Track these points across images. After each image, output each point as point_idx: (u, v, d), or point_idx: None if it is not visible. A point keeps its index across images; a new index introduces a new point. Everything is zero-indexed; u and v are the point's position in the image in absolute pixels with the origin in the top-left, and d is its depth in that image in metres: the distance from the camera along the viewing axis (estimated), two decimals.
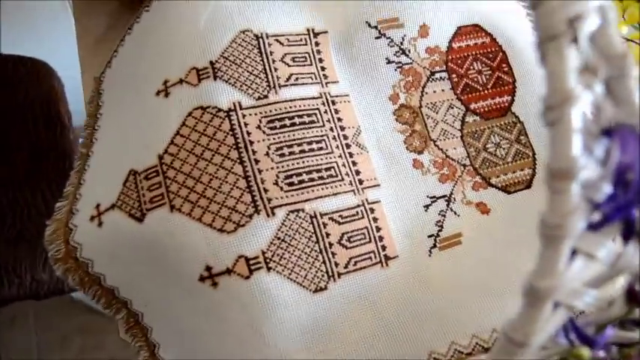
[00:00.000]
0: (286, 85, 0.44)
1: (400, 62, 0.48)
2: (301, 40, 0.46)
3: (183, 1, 0.46)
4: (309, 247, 0.41)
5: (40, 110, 0.77)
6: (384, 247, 0.43)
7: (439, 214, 0.45)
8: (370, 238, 0.43)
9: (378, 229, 0.43)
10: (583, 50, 0.24)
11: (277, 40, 0.45)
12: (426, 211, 0.45)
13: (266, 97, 0.43)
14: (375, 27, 0.48)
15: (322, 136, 0.44)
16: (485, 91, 0.50)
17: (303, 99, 0.44)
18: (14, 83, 0.79)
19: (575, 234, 0.24)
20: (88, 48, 0.55)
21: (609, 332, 0.29)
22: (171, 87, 0.44)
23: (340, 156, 0.44)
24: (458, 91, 0.49)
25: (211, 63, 0.43)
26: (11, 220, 0.72)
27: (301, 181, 0.42)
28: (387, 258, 0.43)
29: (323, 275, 0.41)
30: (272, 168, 0.41)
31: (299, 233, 0.41)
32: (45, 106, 0.78)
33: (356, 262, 0.42)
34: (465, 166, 0.47)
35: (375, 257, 0.42)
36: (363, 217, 0.43)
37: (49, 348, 1.00)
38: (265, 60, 0.44)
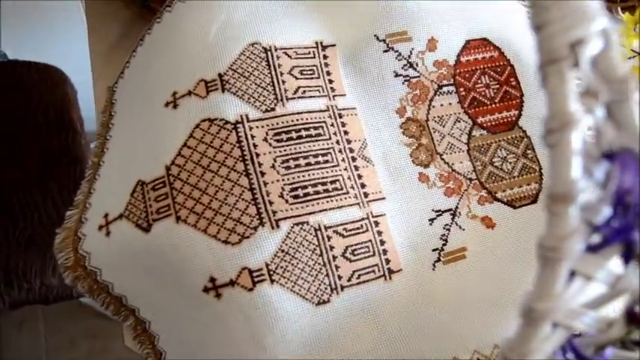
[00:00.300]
0: (294, 98, 0.44)
1: (408, 75, 0.48)
2: (309, 53, 0.47)
3: (194, 13, 0.47)
4: (312, 259, 0.41)
5: (53, 116, 0.78)
6: (387, 261, 0.43)
7: (444, 228, 0.45)
8: (374, 251, 0.43)
9: (383, 242, 0.43)
10: (584, 74, 0.24)
11: (285, 53, 0.46)
12: (430, 224, 0.45)
13: (273, 109, 0.44)
14: (383, 40, 0.48)
15: (328, 149, 0.44)
16: (493, 105, 0.50)
17: (310, 112, 0.45)
18: (27, 89, 0.80)
19: (572, 256, 0.24)
20: (100, 56, 0.55)
21: (609, 353, 0.29)
22: (180, 98, 0.44)
23: (346, 169, 0.44)
24: (465, 105, 0.49)
25: (220, 75, 0.44)
26: (22, 224, 0.73)
27: (306, 194, 0.42)
28: (390, 271, 0.43)
29: (326, 288, 0.41)
30: (278, 180, 0.42)
31: (303, 246, 0.41)
32: (57, 112, 0.79)
33: (359, 276, 0.42)
34: (471, 180, 0.47)
35: (379, 271, 0.42)
36: (367, 231, 0.43)
37: (57, 351, 1.01)
38: (273, 72, 0.45)
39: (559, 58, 0.24)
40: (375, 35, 0.48)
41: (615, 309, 0.29)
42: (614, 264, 0.27)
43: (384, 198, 0.45)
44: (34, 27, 0.96)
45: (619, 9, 0.71)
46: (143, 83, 0.48)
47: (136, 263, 0.43)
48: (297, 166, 0.43)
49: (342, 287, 0.41)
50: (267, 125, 0.43)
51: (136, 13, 0.57)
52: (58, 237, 0.46)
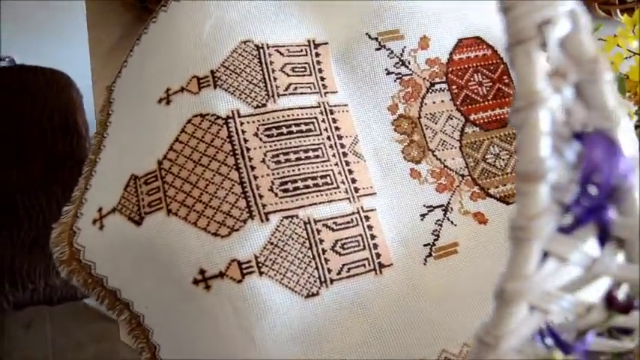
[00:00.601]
0: (285, 94, 0.45)
1: (400, 73, 0.49)
2: (301, 50, 0.47)
3: (188, 12, 0.47)
4: (302, 252, 0.41)
5: (58, 120, 0.80)
6: (378, 255, 0.43)
7: (436, 223, 0.45)
8: (364, 245, 0.43)
9: (373, 236, 0.43)
10: (553, 54, 0.25)
11: (278, 51, 0.46)
12: (422, 220, 0.45)
13: (264, 105, 0.44)
14: (376, 39, 0.49)
15: (319, 144, 0.44)
16: (486, 103, 0.50)
17: (301, 108, 0.45)
18: (33, 93, 0.81)
19: (543, 236, 0.25)
20: (100, 58, 0.57)
21: (590, 339, 0.29)
22: (173, 95, 0.45)
23: (336, 164, 0.44)
24: (458, 102, 0.49)
25: (212, 72, 0.45)
26: (27, 225, 0.74)
27: (296, 188, 0.42)
28: (381, 266, 0.43)
29: (315, 281, 0.41)
30: (268, 174, 0.42)
31: (292, 239, 0.41)
32: (63, 116, 0.80)
33: (349, 269, 0.42)
34: (463, 176, 0.47)
35: (369, 265, 0.43)
36: (357, 225, 0.43)
37: (63, 354, 1.01)
38: (265, 69, 0.45)
39: (526, 38, 0.24)
40: (366, 33, 0.49)
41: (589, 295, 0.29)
42: (591, 247, 0.27)
43: (374, 193, 0.45)
44: (41, 32, 0.98)
45: (618, 11, 0.71)
46: (139, 81, 0.49)
47: (129, 256, 0.44)
48: (287, 160, 0.43)
49: (332, 280, 0.41)
50: (258, 121, 0.44)
51: (135, 15, 0.58)
52: (54, 232, 0.47)
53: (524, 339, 0.27)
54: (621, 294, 0.30)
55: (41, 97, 0.81)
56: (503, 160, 0.48)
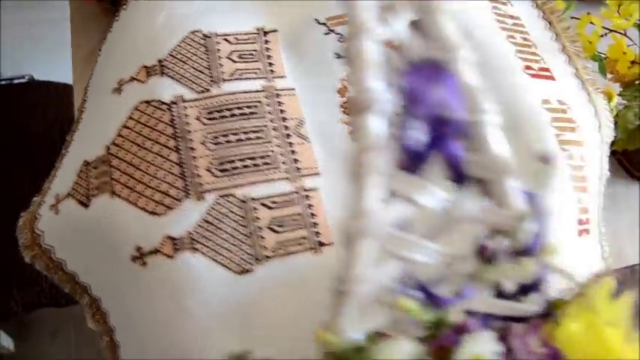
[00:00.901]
0: (230, 80, 0.46)
1: None
2: (250, 38, 0.48)
3: (143, 9, 0.50)
4: (237, 230, 0.42)
5: (68, 131, 0.84)
6: (317, 234, 0.43)
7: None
8: (304, 224, 0.43)
9: (313, 215, 0.43)
10: None
11: (226, 39, 0.48)
12: None
13: (208, 90, 0.45)
14: (324, 24, 0.49)
15: (261, 126, 0.45)
16: None
17: (245, 92, 0.46)
18: (45, 107, 0.86)
19: (380, 170, 0.24)
20: (80, 62, 0.60)
21: (468, 293, 0.28)
22: (124, 85, 0.47)
23: (279, 145, 0.45)
24: None
25: (159, 61, 0.46)
26: None
27: (234, 168, 0.43)
28: (321, 244, 0.43)
29: (249, 258, 0.41)
30: (207, 155, 0.43)
31: (228, 217, 0.42)
32: None
33: (285, 247, 0.42)
34: None
35: (308, 243, 0.42)
36: (297, 204, 0.43)
37: None
38: (211, 57, 0.47)
39: None
40: (315, 19, 0.49)
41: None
42: (448, 189, 0.26)
43: (318, 173, 0.45)
44: (56, 47, 1.04)
45: None
46: (101, 77, 0.51)
47: (81, 239, 0.45)
48: (227, 142, 0.44)
49: (266, 257, 0.41)
50: (201, 105, 0.45)
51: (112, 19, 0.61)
52: (21, 220, 0.49)
53: (382, 287, 0.26)
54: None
55: (52, 110, 0.86)
56: None
